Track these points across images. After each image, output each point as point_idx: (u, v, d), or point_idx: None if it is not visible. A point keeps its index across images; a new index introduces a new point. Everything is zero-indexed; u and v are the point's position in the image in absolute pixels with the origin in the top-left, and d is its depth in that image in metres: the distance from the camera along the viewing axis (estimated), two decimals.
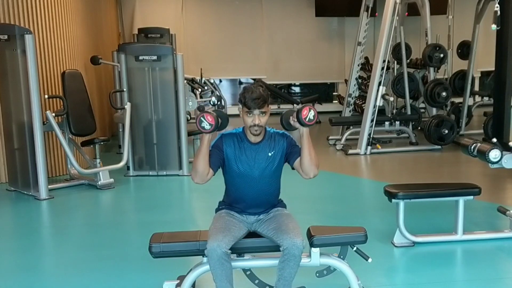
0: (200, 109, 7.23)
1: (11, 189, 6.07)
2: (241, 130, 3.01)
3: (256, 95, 2.83)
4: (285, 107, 10.32)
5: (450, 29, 8.89)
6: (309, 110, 2.82)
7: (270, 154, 2.97)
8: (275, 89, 11.26)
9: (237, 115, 2.95)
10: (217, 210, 3.14)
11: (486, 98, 9.86)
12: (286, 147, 3.01)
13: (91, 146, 6.47)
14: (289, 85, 13.21)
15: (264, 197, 3.04)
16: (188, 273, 3.02)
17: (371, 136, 7.81)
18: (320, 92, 12.50)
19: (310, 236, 3.01)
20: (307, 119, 2.83)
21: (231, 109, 9.08)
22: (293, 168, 3.04)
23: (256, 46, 12.06)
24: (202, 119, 2.79)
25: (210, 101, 8.18)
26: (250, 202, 3.02)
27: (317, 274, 3.11)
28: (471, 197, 4.10)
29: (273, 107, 10.31)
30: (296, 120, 2.86)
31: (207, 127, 2.79)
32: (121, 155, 6.50)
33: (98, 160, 6.31)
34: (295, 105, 9.90)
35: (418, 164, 7.43)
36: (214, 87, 9.00)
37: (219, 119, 2.87)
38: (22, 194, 5.92)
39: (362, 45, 9.47)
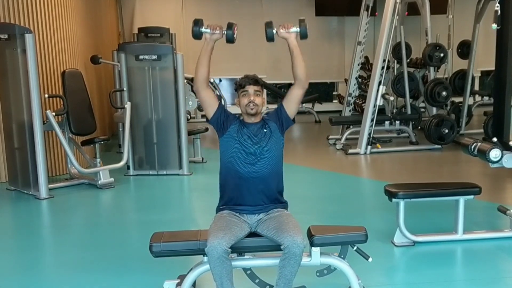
0: (200, 108, 7.23)
1: (11, 188, 6.07)
2: (240, 117, 3.14)
3: (250, 76, 3.06)
4: None
5: (450, 28, 8.90)
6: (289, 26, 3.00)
7: (265, 131, 3.06)
8: (275, 88, 11.25)
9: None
10: (217, 210, 3.14)
11: (486, 98, 9.88)
12: (278, 111, 3.11)
13: (91, 145, 6.47)
14: (289, 85, 13.12)
15: (264, 180, 3.02)
16: (188, 273, 3.03)
17: (371, 135, 7.81)
18: (320, 92, 12.51)
19: (310, 235, 3.01)
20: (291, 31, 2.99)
21: (231, 109, 9.06)
22: (287, 101, 3.10)
23: (256, 45, 12.05)
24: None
25: None
26: (251, 187, 3.01)
27: (318, 274, 3.11)
28: (471, 196, 4.10)
29: (273, 106, 10.31)
30: (287, 31, 3.00)
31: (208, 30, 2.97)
32: (121, 155, 6.51)
33: (98, 160, 6.31)
34: None
35: (418, 163, 7.44)
36: (214, 86, 8.99)
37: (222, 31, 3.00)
38: (22, 193, 5.92)
39: (362, 44, 9.48)
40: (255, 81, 3.04)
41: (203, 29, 2.97)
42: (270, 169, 3.03)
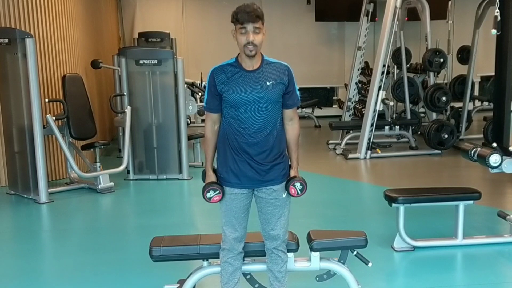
0: (200, 113, 7.24)
1: (11, 192, 6.07)
2: (234, 59, 2.81)
3: (249, 8, 2.67)
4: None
5: (450, 34, 8.91)
6: (295, 187, 2.85)
7: (268, 84, 2.75)
8: None
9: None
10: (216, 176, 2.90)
11: (486, 103, 9.87)
12: (288, 82, 2.82)
13: (91, 149, 6.48)
14: None
15: (267, 132, 2.78)
16: (188, 277, 3.03)
17: (371, 140, 7.81)
18: (320, 97, 12.51)
19: (310, 240, 3.01)
20: (297, 195, 2.87)
21: None
22: None
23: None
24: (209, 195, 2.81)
25: None
26: (251, 135, 2.76)
27: (317, 279, 3.11)
28: (471, 201, 4.11)
29: None
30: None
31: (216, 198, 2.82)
32: (121, 159, 6.50)
33: (98, 164, 6.31)
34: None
35: (418, 168, 7.44)
36: None
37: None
38: (22, 197, 5.92)
39: (362, 49, 9.50)
40: (255, 17, 2.66)
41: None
42: (271, 117, 2.80)
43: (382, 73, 7.96)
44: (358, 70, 9.67)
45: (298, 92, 2.91)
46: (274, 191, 2.84)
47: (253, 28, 2.67)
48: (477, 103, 10.23)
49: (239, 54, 2.79)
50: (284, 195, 2.89)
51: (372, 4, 9.40)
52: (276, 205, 2.86)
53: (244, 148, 2.78)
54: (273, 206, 2.86)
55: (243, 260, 3.00)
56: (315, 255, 3.00)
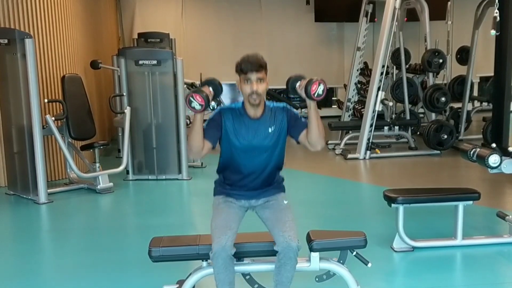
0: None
1: (10, 193, 6.06)
2: (241, 105, 2.92)
3: (253, 59, 2.78)
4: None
5: (449, 34, 8.92)
6: (319, 85, 2.70)
7: (270, 130, 2.88)
8: (275, 93, 11.25)
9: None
10: (214, 193, 3.06)
11: (485, 103, 9.87)
12: (288, 121, 2.91)
13: (91, 150, 6.48)
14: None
15: (262, 170, 2.93)
16: (187, 278, 3.02)
17: (370, 140, 7.82)
18: None
19: (309, 240, 3.00)
20: (315, 95, 2.72)
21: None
22: (298, 142, 2.94)
23: (256, 50, 11.97)
24: (191, 99, 2.67)
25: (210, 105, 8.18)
26: (247, 174, 2.92)
27: (317, 279, 3.10)
28: (471, 202, 4.11)
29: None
30: (303, 91, 2.73)
31: (198, 107, 2.68)
32: (121, 159, 6.50)
33: (97, 164, 6.31)
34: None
35: (417, 168, 7.44)
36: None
37: (210, 93, 2.75)
38: (21, 198, 5.91)
39: (361, 50, 9.50)
40: (258, 67, 2.78)
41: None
42: (273, 159, 2.94)
43: (381, 73, 7.97)
44: (358, 70, 9.67)
45: (303, 119, 2.93)
46: (273, 198, 2.98)
47: (257, 78, 2.78)
48: (476, 103, 10.23)
49: (244, 101, 2.89)
50: (285, 202, 2.96)
51: (371, 5, 9.40)
52: (280, 209, 2.93)
53: (241, 185, 2.96)
54: (277, 210, 2.92)
55: (242, 260, 2.99)
56: (315, 255, 3.00)
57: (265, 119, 2.89)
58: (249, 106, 2.86)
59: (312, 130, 2.84)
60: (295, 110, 2.96)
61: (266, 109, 2.91)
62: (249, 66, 2.76)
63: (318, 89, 2.71)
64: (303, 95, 2.76)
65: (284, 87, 2.93)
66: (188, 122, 6.83)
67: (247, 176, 2.94)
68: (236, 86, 2.88)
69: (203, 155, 2.88)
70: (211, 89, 2.79)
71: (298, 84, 2.79)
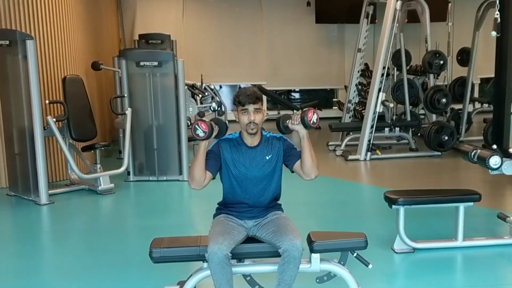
0: (200, 114, 7.25)
1: (11, 194, 6.07)
2: (238, 135, 3.07)
3: (250, 92, 2.95)
4: (285, 113, 10.32)
5: (450, 36, 8.91)
6: (313, 114, 2.93)
7: (267, 158, 3.02)
8: (275, 95, 11.27)
9: (237, 122, 3.00)
10: (215, 215, 3.16)
11: (485, 105, 9.87)
12: (284, 150, 3.06)
13: (92, 151, 6.48)
14: (289, 91, 13.22)
15: (263, 198, 3.06)
16: (188, 279, 3.02)
17: (371, 142, 7.82)
18: (320, 98, 12.51)
19: (310, 241, 3.01)
20: (311, 122, 2.91)
21: (231, 115, 9.08)
22: (292, 171, 3.08)
23: (256, 52, 12.08)
24: (197, 126, 2.85)
25: (210, 106, 8.20)
26: (249, 204, 3.05)
27: (317, 280, 3.11)
28: (471, 203, 4.11)
29: (273, 113, 10.33)
30: (298, 122, 2.92)
31: (201, 134, 2.84)
32: (122, 160, 6.51)
33: (98, 165, 6.31)
34: (295, 111, 9.91)
35: (418, 170, 7.44)
36: (214, 93, 9.01)
37: (215, 126, 2.91)
38: (22, 199, 5.92)
39: (362, 51, 9.50)
40: (255, 99, 2.93)
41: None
42: (271, 186, 3.07)
43: (382, 75, 7.97)
44: (358, 72, 9.66)
45: (297, 149, 3.05)
46: (272, 215, 3.07)
47: (254, 109, 2.93)
48: (477, 105, 10.23)
49: (241, 131, 3.04)
50: (283, 214, 3.06)
51: (372, 6, 9.40)
52: (280, 218, 3.02)
53: (241, 211, 3.06)
54: (277, 219, 3.00)
55: (243, 261, 3.00)
56: (315, 256, 3.00)
57: (262, 147, 3.04)
58: (247, 136, 3.02)
59: (306, 159, 2.97)
60: (290, 141, 3.10)
61: (262, 138, 3.06)
62: (247, 98, 2.92)
63: (313, 117, 2.93)
64: (297, 127, 2.94)
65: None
66: (189, 123, 6.84)
67: (248, 203, 3.04)
68: (234, 116, 3.05)
69: (204, 185, 2.96)
70: (217, 127, 2.93)
71: (288, 121, 2.98)
